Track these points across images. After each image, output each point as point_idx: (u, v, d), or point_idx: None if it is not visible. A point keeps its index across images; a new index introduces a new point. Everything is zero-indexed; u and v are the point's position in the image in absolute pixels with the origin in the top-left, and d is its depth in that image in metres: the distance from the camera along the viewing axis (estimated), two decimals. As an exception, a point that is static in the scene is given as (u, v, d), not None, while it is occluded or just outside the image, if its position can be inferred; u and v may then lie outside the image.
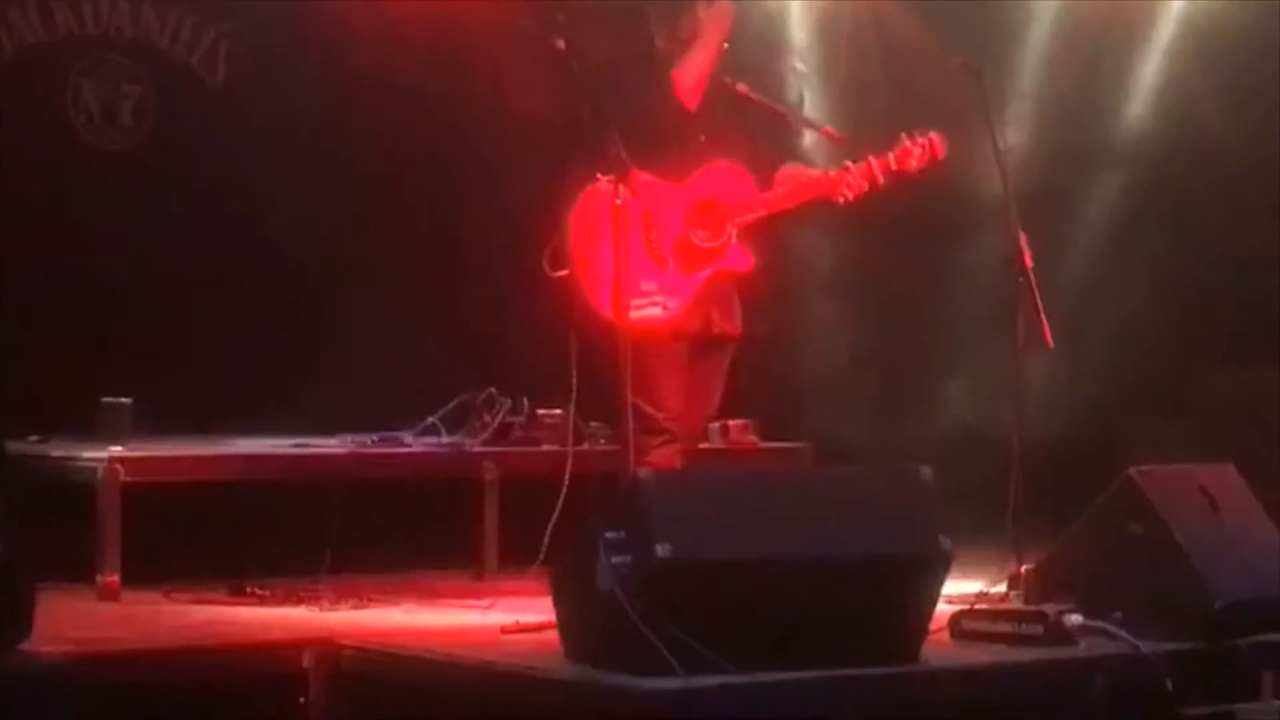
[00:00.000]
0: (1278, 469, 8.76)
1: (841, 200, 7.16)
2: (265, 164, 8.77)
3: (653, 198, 6.96)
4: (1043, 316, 7.23)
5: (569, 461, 7.29)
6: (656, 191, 7.00)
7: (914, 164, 7.17)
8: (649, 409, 7.00)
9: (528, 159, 9.01)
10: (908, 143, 7.17)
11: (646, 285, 6.93)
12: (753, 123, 7.29)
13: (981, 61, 7.62)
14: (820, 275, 10.21)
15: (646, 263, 6.95)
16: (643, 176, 6.85)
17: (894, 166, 7.16)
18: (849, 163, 7.19)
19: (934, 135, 7.18)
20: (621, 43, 7.55)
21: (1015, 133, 9.66)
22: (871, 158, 7.18)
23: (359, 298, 8.98)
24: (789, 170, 7.31)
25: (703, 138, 7.16)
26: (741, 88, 7.25)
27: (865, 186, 7.16)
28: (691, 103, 7.21)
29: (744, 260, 7.13)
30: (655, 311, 6.97)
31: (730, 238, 7.07)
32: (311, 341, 8.82)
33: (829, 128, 7.38)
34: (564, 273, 7.01)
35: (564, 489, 7.16)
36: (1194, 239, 10.34)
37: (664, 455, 7.08)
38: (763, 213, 7.13)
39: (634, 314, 6.66)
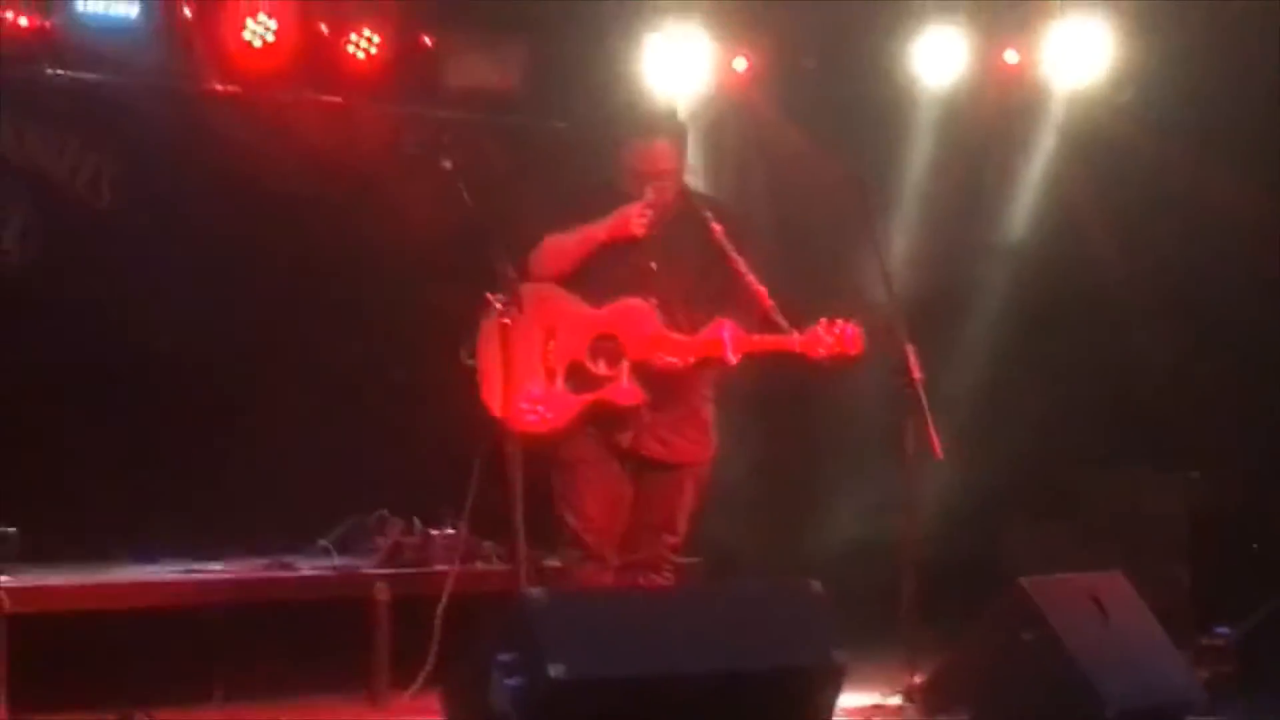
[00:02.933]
0: (1163, 571, 8.86)
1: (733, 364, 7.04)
2: (152, 285, 8.73)
3: (563, 315, 7.06)
4: (931, 428, 7.27)
5: (450, 580, 7.33)
6: (569, 310, 7.09)
7: (822, 352, 7.02)
8: (567, 518, 7.13)
9: (420, 276, 9.04)
10: (820, 330, 7.02)
11: (533, 392, 6.97)
12: (716, 264, 7.16)
13: (865, 172, 7.67)
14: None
15: (538, 372, 7.01)
16: (559, 293, 7.01)
17: (798, 350, 7.02)
18: (754, 336, 7.03)
19: (850, 327, 7.01)
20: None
21: (900, 244, 9.74)
22: (781, 336, 7.04)
23: (249, 420, 8.93)
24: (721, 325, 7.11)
25: (653, 265, 7.13)
26: (716, 228, 7.12)
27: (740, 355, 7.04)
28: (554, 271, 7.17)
29: (629, 396, 7.09)
30: (533, 419, 6.99)
31: (623, 375, 7.08)
32: (201, 464, 8.76)
33: (764, 291, 7.19)
34: (471, 362, 7.10)
35: (441, 606, 7.22)
36: (1075, 344, 10.45)
37: (592, 576, 7.10)
38: (658, 363, 7.07)
39: (523, 419, 6.85)
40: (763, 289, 7.02)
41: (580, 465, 7.14)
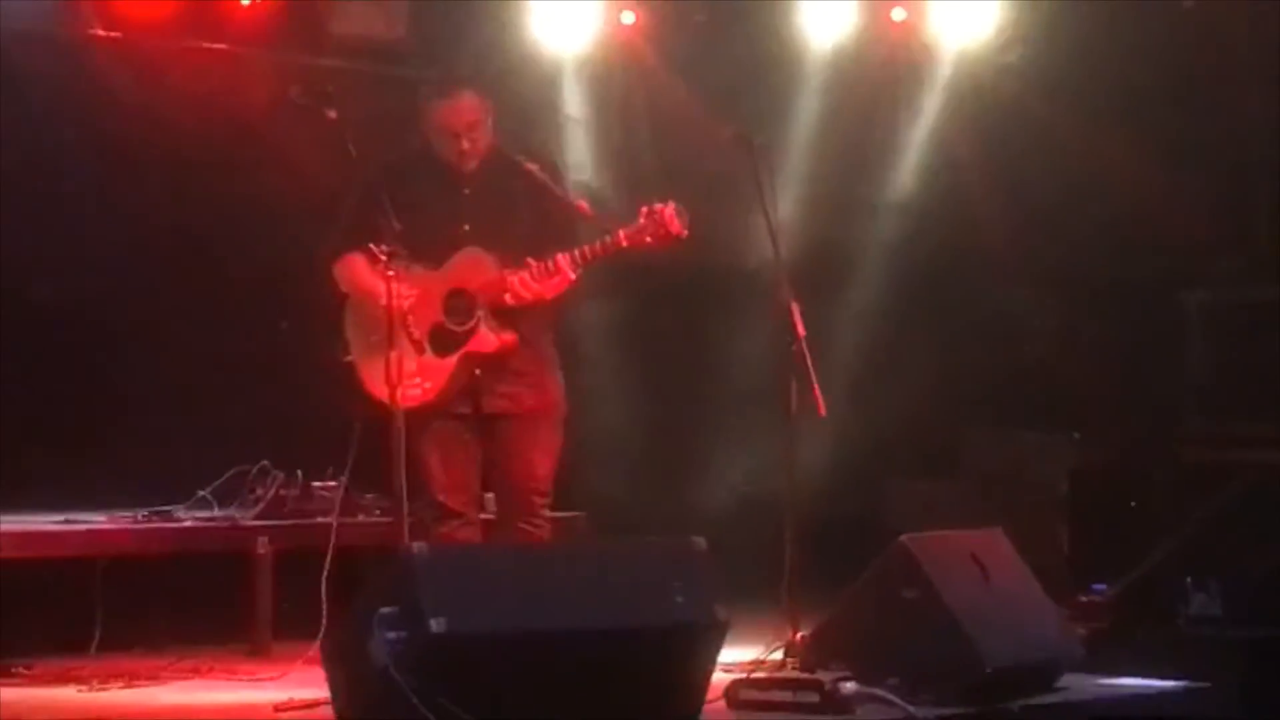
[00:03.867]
0: (1043, 530, 8.93)
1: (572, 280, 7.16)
2: (32, 231, 8.62)
3: (414, 286, 7.06)
4: (815, 386, 7.28)
5: (333, 534, 7.33)
6: (417, 280, 7.10)
7: (647, 239, 7.09)
8: (422, 478, 7.17)
9: (304, 227, 8.97)
10: (641, 218, 7.10)
11: (409, 368, 6.99)
12: (532, 201, 7.27)
13: (753, 131, 7.66)
14: (594, 343, 10.22)
15: (408, 348, 7.04)
16: (405, 265, 6.94)
17: (625, 244, 7.10)
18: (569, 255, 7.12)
19: (666, 208, 7.08)
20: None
21: (787, 201, 9.75)
22: (607, 237, 7.12)
23: (129, 370, 8.86)
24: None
25: (466, 227, 7.24)
26: (530, 166, 7.25)
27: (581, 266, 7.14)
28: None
29: (492, 342, 7.17)
30: (417, 393, 7.07)
31: (477, 322, 7.16)
32: (81, 414, 8.67)
33: (583, 204, 7.32)
34: (349, 359, 7.18)
35: (328, 560, 7.22)
36: (962, 305, 10.52)
37: (452, 533, 7.18)
38: (509, 300, 7.14)
39: (408, 398, 6.90)
40: (581, 203, 7.20)
41: (425, 426, 7.17)
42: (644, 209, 7.12)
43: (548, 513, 7.38)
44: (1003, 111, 10.32)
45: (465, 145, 7.24)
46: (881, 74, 10.54)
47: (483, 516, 7.45)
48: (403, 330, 7.00)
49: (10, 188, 8.62)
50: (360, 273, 7.17)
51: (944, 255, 10.54)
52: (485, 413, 7.24)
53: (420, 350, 7.15)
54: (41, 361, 8.67)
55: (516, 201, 7.26)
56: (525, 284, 7.09)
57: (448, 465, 7.26)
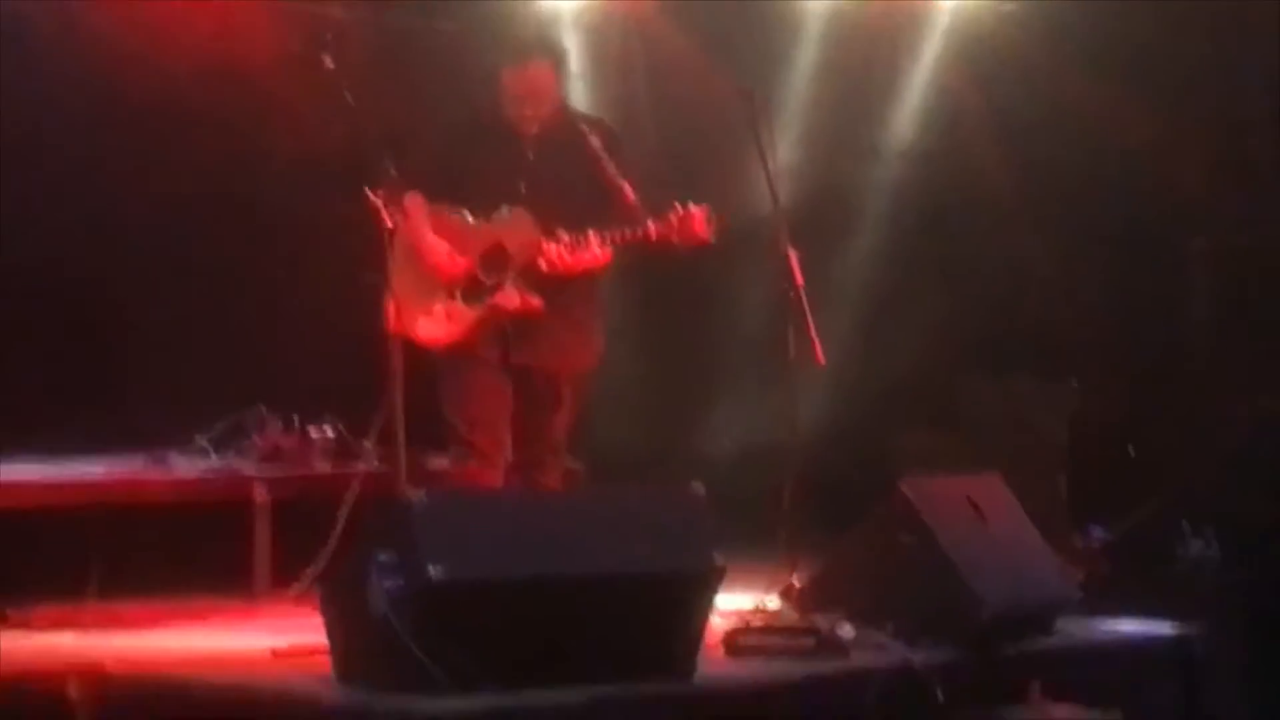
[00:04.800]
0: (1042, 477, 8.94)
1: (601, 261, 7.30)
2: (28, 182, 8.60)
3: (454, 231, 7.34)
4: (813, 334, 7.28)
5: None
6: (458, 226, 7.35)
7: (674, 238, 7.17)
8: (451, 418, 7.41)
9: (303, 177, 8.97)
10: (672, 216, 7.18)
11: (436, 308, 7.31)
12: (587, 172, 7.36)
13: (751, 82, 7.66)
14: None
15: (439, 287, 7.31)
16: (447, 211, 7.33)
17: (654, 238, 7.20)
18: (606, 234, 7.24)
19: (698, 211, 7.16)
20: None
21: (786, 150, 9.72)
22: (637, 227, 7.22)
23: (123, 315, 8.86)
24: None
25: (522, 187, 7.40)
26: (593, 139, 7.35)
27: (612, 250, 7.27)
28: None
29: (516, 302, 7.32)
30: (439, 333, 7.32)
31: (505, 280, 7.30)
32: (77, 361, 8.67)
33: (628, 188, 7.33)
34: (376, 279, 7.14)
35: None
36: (962, 253, 10.50)
37: (477, 474, 7.36)
38: (543, 265, 7.27)
39: (421, 330, 7.26)
40: (626, 186, 7.24)
41: (460, 367, 7.39)
42: (676, 207, 7.18)
43: (562, 465, 7.56)
44: (1003, 59, 10.29)
45: (528, 111, 7.41)
46: (880, 22, 10.51)
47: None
48: (437, 272, 7.28)
49: (9, 140, 8.59)
50: (413, 215, 7.36)
51: (944, 204, 10.52)
52: (512, 363, 7.38)
53: (450, 295, 7.34)
54: (37, 310, 8.66)
55: (573, 170, 7.36)
56: (558, 254, 7.23)
57: (476, 405, 7.42)
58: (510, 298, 7.29)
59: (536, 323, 7.35)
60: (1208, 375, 9.52)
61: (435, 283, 7.35)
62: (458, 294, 7.36)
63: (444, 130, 7.57)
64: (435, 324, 7.34)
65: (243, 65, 9.00)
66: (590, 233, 7.22)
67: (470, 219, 7.40)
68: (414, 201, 7.39)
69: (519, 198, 7.35)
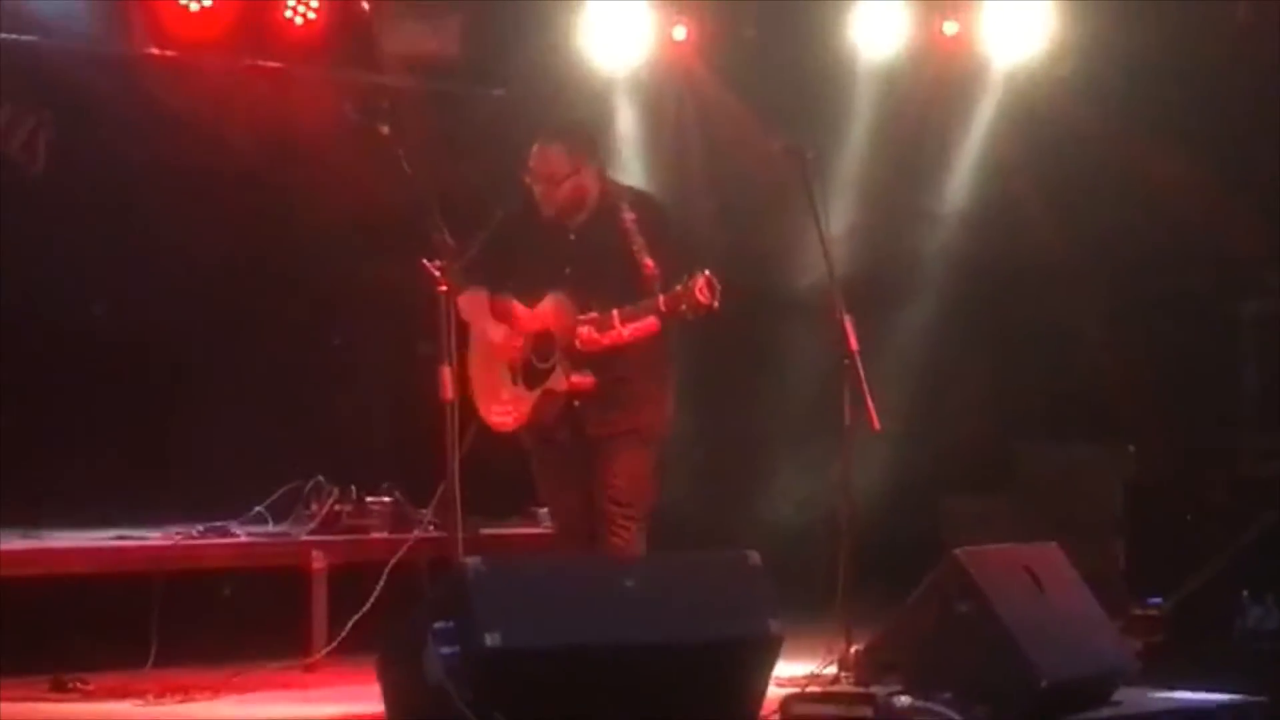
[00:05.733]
0: (1098, 544, 8.90)
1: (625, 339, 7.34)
2: (87, 252, 8.68)
3: (513, 321, 7.49)
4: (869, 399, 7.28)
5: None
6: (516, 317, 7.50)
7: (683, 308, 7.11)
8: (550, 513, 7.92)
9: (359, 245, 9.02)
10: (678, 287, 7.12)
11: (504, 394, 7.46)
12: (623, 252, 7.35)
13: (805, 144, 7.67)
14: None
15: (507, 376, 7.48)
16: (508, 303, 7.48)
17: (664, 311, 7.16)
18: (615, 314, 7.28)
19: (696, 280, 7.06)
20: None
21: (840, 215, 9.74)
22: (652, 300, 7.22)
23: (186, 388, 8.90)
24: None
25: (567, 270, 7.44)
26: (628, 216, 7.37)
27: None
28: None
29: (561, 383, 7.37)
30: (507, 420, 7.46)
31: (554, 363, 7.38)
32: (138, 432, 8.73)
33: (649, 264, 7.34)
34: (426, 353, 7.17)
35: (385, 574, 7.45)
36: (1016, 317, 10.49)
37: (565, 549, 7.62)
38: (581, 349, 7.34)
39: (494, 418, 7.45)
40: (647, 261, 7.21)
41: (535, 450, 7.58)
42: (684, 279, 7.12)
43: (632, 526, 7.47)
44: (1056, 125, 10.29)
45: (540, 192, 7.46)
46: (933, 88, 10.52)
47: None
48: (502, 361, 7.47)
49: (69, 205, 8.67)
50: (476, 308, 7.50)
51: (998, 268, 10.51)
52: (585, 435, 7.46)
53: (513, 380, 7.48)
54: (98, 379, 8.73)
55: (609, 249, 7.38)
56: (588, 335, 7.30)
57: (551, 490, 7.67)
58: (559, 380, 7.37)
59: (601, 397, 7.40)
60: (1264, 440, 9.47)
61: (499, 373, 7.49)
62: (519, 380, 7.48)
63: (500, 223, 7.59)
64: (504, 411, 7.47)
65: (300, 133, 9.08)
66: (614, 311, 7.26)
67: (519, 305, 7.51)
68: (477, 295, 7.51)
69: (564, 280, 7.42)
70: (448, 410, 6.86)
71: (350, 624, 7.61)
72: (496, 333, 7.48)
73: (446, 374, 6.89)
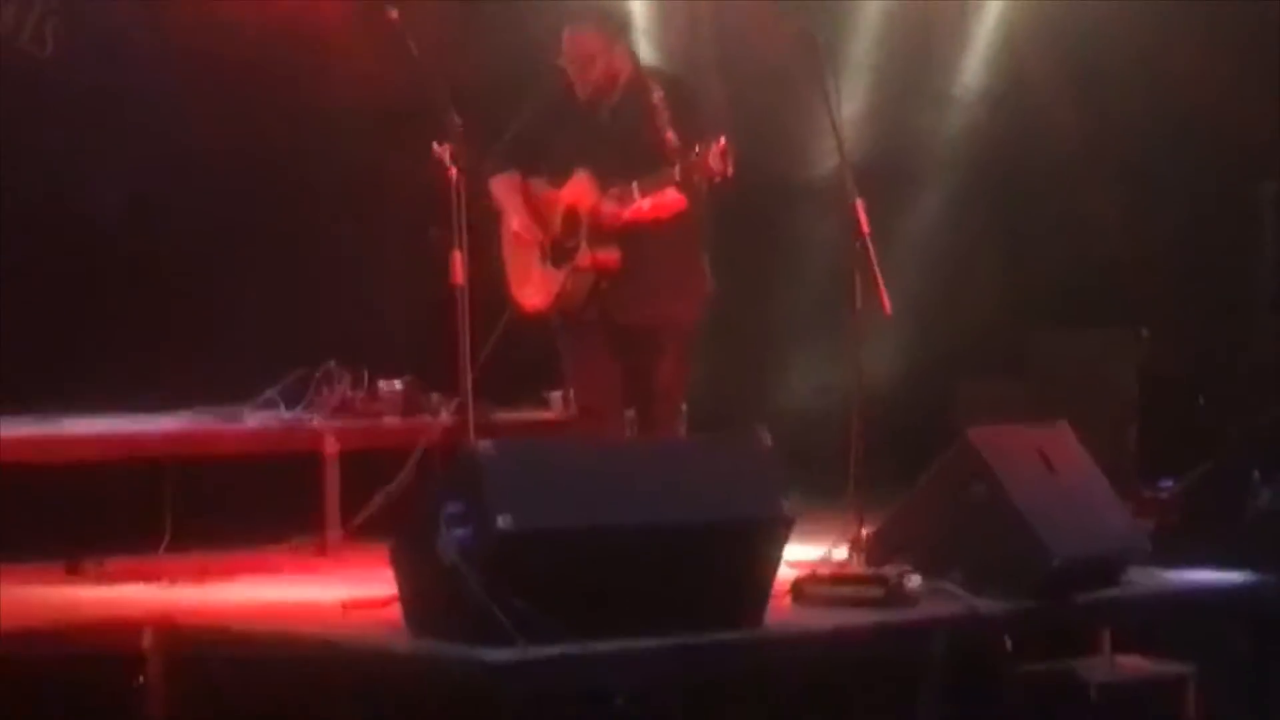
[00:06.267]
0: (1111, 428, 8.90)
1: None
2: (97, 136, 8.65)
3: (543, 202, 7.59)
4: (880, 283, 7.26)
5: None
6: (540, 193, 7.60)
7: (695, 176, 7.17)
8: (567, 379, 7.99)
9: (367, 132, 8.99)
10: (692, 155, 7.19)
11: (534, 275, 7.57)
12: (649, 129, 7.40)
13: (815, 28, 7.64)
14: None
15: (534, 257, 7.57)
16: (530, 181, 7.58)
17: (677, 178, 7.22)
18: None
19: (710, 149, 7.10)
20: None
21: (852, 100, 9.68)
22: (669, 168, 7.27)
23: (195, 271, 8.90)
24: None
25: (600, 150, 7.49)
26: (658, 96, 7.41)
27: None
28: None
29: (586, 260, 7.45)
30: (537, 300, 7.57)
31: (581, 243, 7.45)
32: (147, 316, 8.72)
33: (670, 135, 7.33)
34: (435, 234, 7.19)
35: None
36: (1031, 202, 10.46)
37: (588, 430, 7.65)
38: (605, 225, 7.42)
39: (525, 299, 7.59)
40: (669, 134, 7.27)
41: (565, 331, 7.65)
42: (696, 146, 7.18)
43: (676, 417, 7.73)
44: (1072, 5, 10.22)
45: (574, 73, 7.54)
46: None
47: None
48: (532, 242, 7.55)
49: (76, 91, 8.65)
50: (508, 192, 7.63)
51: (1013, 152, 10.47)
52: (615, 323, 7.53)
53: (543, 261, 7.55)
54: (109, 265, 8.72)
55: (636, 128, 7.42)
56: (610, 210, 7.38)
57: (583, 367, 7.67)
58: (585, 257, 7.44)
59: (628, 279, 7.47)
60: (1277, 323, 9.44)
61: (530, 253, 7.58)
62: (548, 260, 7.56)
63: (532, 108, 7.73)
64: (535, 291, 7.57)
65: (308, 18, 9.02)
66: (634, 184, 7.32)
67: (550, 187, 7.59)
68: (510, 178, 7.63)
69: (595, 162, 7.46)
70: (458, 294, 6.87)
71: (363, 509, 7.66)
72: (527, 215, 7.57)
73: (458, 258, 6.92)
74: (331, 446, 8.07)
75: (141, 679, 6.08)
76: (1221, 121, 9.86)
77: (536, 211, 7.61)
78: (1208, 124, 9.92)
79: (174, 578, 7.06)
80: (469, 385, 6.83)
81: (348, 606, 6.32)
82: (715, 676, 5.87)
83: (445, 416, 8.06)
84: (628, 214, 7.37)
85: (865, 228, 7.33)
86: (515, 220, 7.60)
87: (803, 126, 9.15)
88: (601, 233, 7.42)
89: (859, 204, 7.35)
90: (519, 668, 5.36)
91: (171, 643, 6.12)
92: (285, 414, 8.30)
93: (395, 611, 5.95)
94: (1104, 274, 10.22)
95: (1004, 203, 10.51)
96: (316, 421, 8.25)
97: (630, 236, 7.42)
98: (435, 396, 8.36)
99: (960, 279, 10.42)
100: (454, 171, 6.91)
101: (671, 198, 7.34)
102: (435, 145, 6.94)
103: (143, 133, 8.82)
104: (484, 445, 5.75)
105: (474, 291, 6.96)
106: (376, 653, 5.74)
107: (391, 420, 8.37)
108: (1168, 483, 8.56)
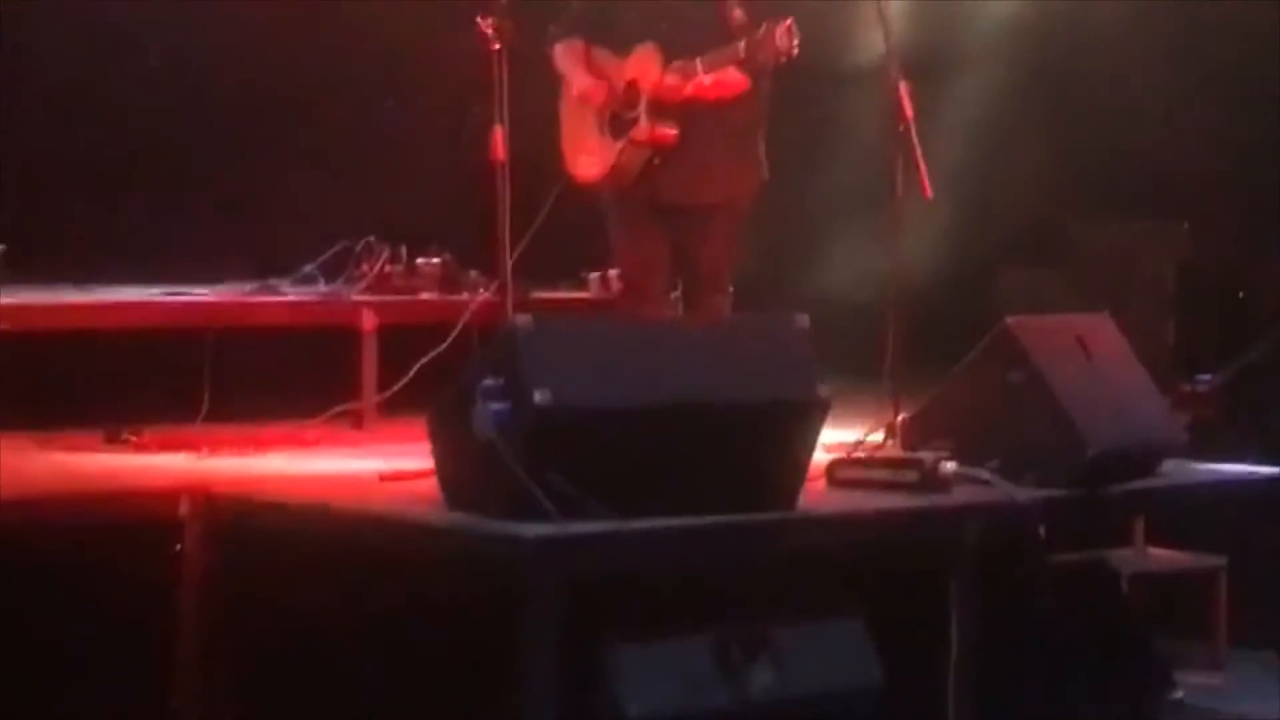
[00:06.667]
0: (1149, 321, 8.88)
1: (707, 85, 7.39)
2: (138, 11, 8.64)
3: (604, 73, 7.56)
4: (923, 168, 7.23)
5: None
6: (603, 63, 7.58)
7: (759, 56, 7.15)
8: (613, 253, 7.91)
9: (408, 4, 8.95)
10: (758, 32, 7.17)
11: (590, 145, 7.57)
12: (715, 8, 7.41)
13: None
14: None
15: (592, 127, 7.57)
16: (594, 49, 7.57)
17: (742, 55, 7.22)
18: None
19: (778, 27, 7.11)
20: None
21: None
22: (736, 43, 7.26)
23: (236, 144, 8.89)
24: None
25: (664, 25, 7.47)
26: None
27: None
28: None
29: (643, 133, 7.44)
30: (593, 171, 7.59)
31: (640, 115, 7.44)
32: (189, 189, 8.73)
33: (737, 12, 7.31)
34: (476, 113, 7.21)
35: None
36: (1075, 91, 10.38)
37: (631, 308, 7.72)
38: (666, 98, 7.40)
39: (580, 168, 7.61)
40: (737, 10, 7.27)
41: (614, 204, 7.65)
42: (763, 25, 7.16)
43: (719, 297, 7.70)
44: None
45: None
46: None
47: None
48: (590, 111, 7.54)
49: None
50: (571, 59, 7.63)
51: (1057, 39, 10.38)
52: (666, 201, 7.54)
53: (600, 131, 7.54)
54: (152, 135, 8.72)
55: (707, 4, 7.40)
56: (671, 84, 7.36)
57: (630, 243, 7.68)
58: (642, 130, 7.43)
59: (682, 158, 7.45)
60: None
61: (589, 122, 7.57)
62: (605, 130, 7.54)
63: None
64: (589, 162, 7.57)
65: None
66: (698, 60, 7.30)
67: (614, 58, 7.57)
68: (573, 45, 7.63)
69: (660, 34, 7.45)
70: (499, 171, 6.86)
71: (400, 383, 7.67)
72: (587, 83, 7.55)
73: (499, 134, 6.90)
74: (369, 321, 8.08)
75: (179, 547, 6.13)
76: (1270, 8, 9.75)
77: (598, 80, 7.58)
78: (1256, 11, 9.81)
79: (212, 448, 7.08)
80: (508, 262, 6.82)
81: (384, 478, 6.35)
82: (749, 557, 5.88)
83: (483, 293, 8.05)
84: (689, 89, 7.34)
85: (909, 112, 7.30)
86: (576, 86, 7.58)
87: (849, 12, 9.07)
88: (661, 107, 7.40)
89: (904, 88, 7.31)
90: (555, 544, 5.37)
91: (208, 511, 6.15)
92: (324, 288, 8.31)
93: (432, 485, 5.97)
94: (1146, 165, 10.15)
95: (1048, 91, 10.44)
96: (354, 296, 8.26)
97: (690, 114, 7.40)
98: (474, 273, 8.37)
99: (1002, 167, 10.37)
100: (497, 46, 6.87)
101: (734, 77, 7.31)
102: (479, 19, 6.91)
103: (183, 6, 8.78)
104: (522, 320, 5.74)
105: (514, 169, 6.94)
106: (412, 525, 5.75)
107: (429, 296, 8.38)
108: (1205, 377, 8.54)
